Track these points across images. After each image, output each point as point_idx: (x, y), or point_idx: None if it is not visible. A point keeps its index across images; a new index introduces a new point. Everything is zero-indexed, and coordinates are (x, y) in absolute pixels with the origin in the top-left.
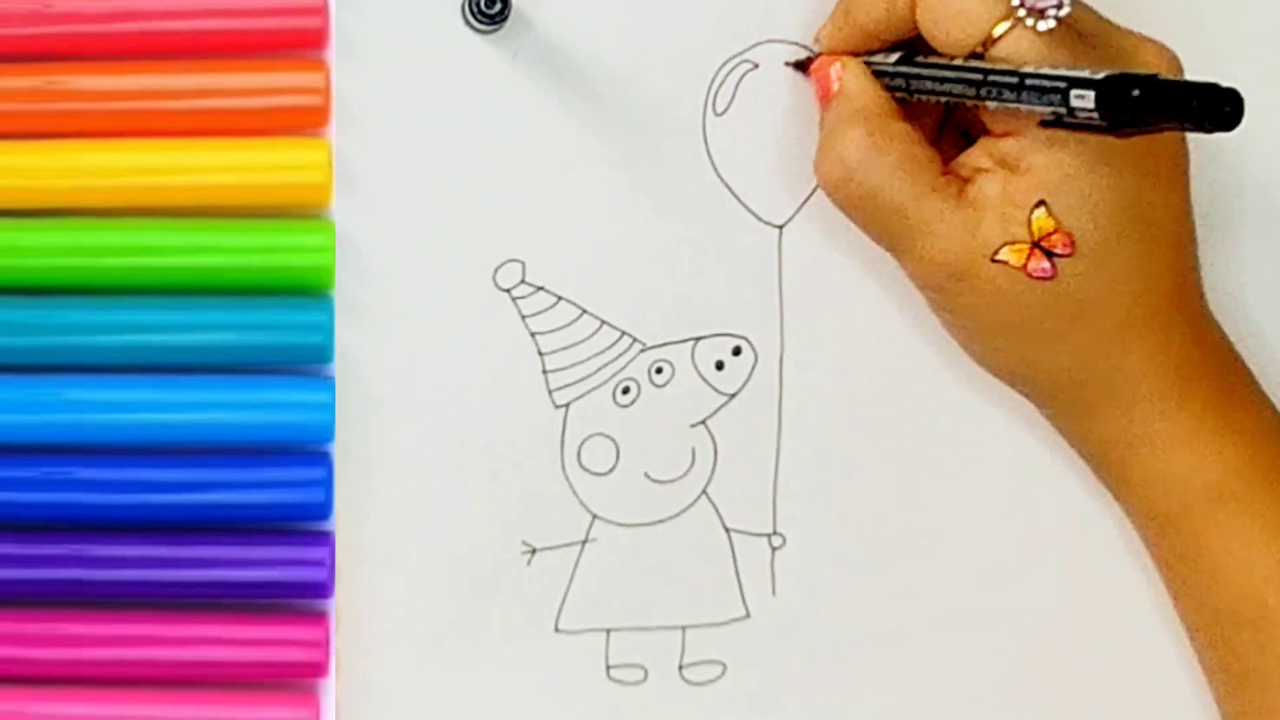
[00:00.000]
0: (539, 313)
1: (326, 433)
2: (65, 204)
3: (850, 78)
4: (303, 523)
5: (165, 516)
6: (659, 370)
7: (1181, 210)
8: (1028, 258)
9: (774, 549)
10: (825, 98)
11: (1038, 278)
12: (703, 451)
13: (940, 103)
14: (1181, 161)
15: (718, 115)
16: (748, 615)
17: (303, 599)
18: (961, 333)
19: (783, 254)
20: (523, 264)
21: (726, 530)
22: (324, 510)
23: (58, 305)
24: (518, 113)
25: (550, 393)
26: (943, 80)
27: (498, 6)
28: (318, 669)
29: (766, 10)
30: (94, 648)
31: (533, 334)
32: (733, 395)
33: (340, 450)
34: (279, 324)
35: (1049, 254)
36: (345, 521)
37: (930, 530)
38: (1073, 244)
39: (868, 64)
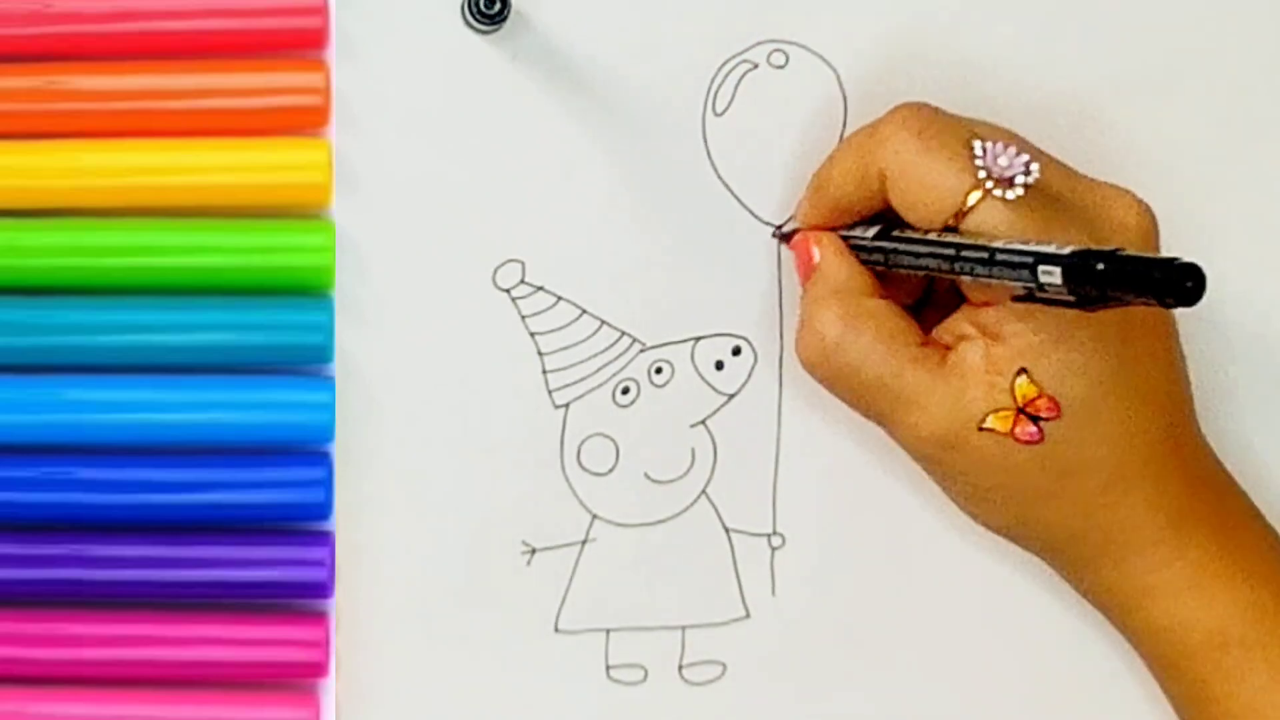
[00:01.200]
0: (539, 313)
1: (326, 433)
2: (65, 204)
3: (827, 255)
4: (303, 523)
5: (165, 516)
6: (659, 370)
7: (1167, 359)
8: (1014, 424)
9: (774, 549)
10: (806, 273)
11: (1025, 442)
12: (702, 451)
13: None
14: (1164, 311)
15: (718, 115)
16: (748, 615)
17: (303, 599)
18: (957, 497)
19: (782, 254)
20: (523, 264)
21: (726, 530)
22: (324, 510)
23: (58, 305)
24: (518, 113)
25: (550, 393)
26: (918, 255)
27: (498, 6)
28: (318, 669)
29: (766, 10)
30: (94, 648)
31: (533, 334)
32: (733, 395)
33: (340, 450)
34: (279, 324)
35: (1034, 418)
36: (345, 521)
37: (930, 530)
38: (1058, 407)
39: (846, 239)
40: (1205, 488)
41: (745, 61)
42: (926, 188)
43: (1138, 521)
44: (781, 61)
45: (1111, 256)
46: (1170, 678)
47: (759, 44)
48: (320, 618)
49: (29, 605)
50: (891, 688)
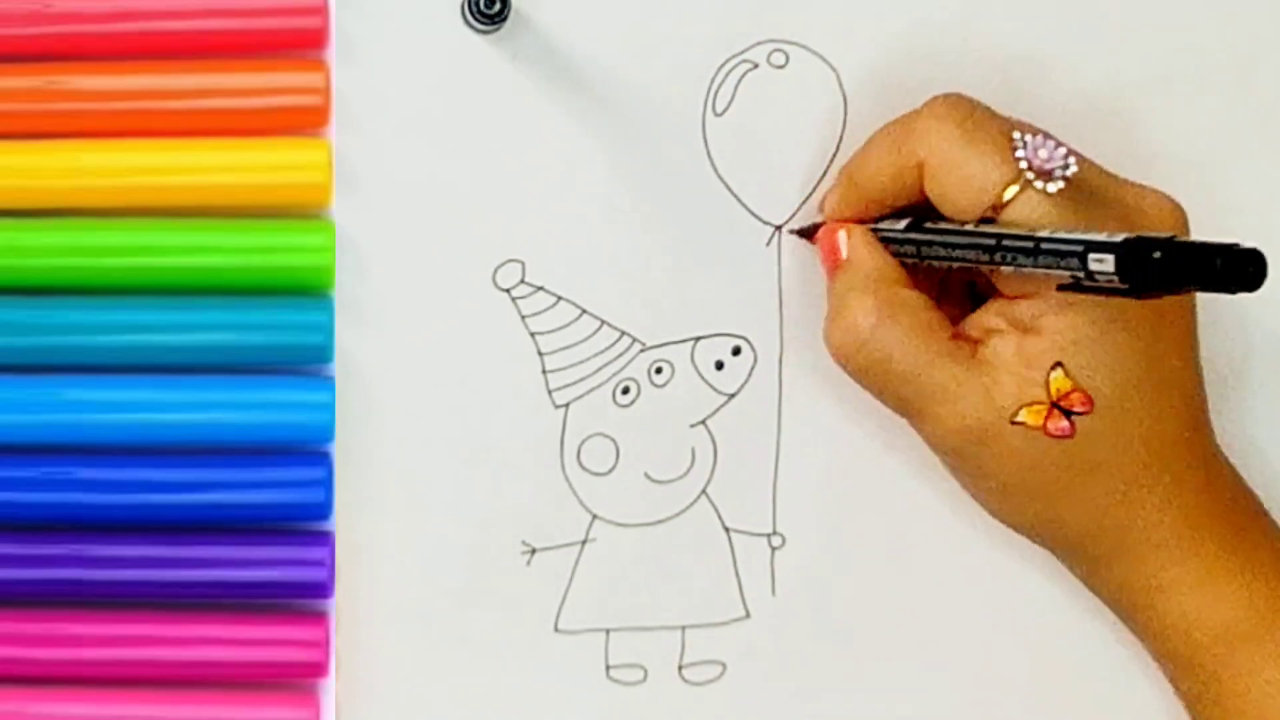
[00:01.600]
0: (539, 313)
1: (326, 433)
2: (65, 204)
3: (858, 246)
4: (303, 523)
5: (165, 516)
6: (659, 370)
7: (1191, 358)
8: (1046, 418)
9: (774, 549)
10: (832, 265)
11: (1057, 436)
12: (702, 451)
13: (952, 268)
14: (1190, 310)
15: (718, 115)
16: (747, 615)
17: (303, 599)
18: (979, 492)
19: (782, 254)
20: (523, 264)
21: (726, 530)
22: (324, 510)
23: (58, 305)
24: (518, 113)
25: (550, 393)
26: (955, 246)
27: (497, 6)
28: (318, 669)
29: (766, 10)
30: (94, 648)
31: (533, 334)
32: (733, 395)
33: (340, 450)
34: (279, 324)
35: (1067, 413)
36: (345, 521)
37: (930, 529)
38: (1090, 402)
39: (875, 231)
40: (1219, 485)
41: (745, 61)
42: (966, 179)
43: (1156, 518)
44: (781, 61)
45: (1168, 244)
46: (1182, 674)
47: (759, 44)
48: (320, 618)
49: (29, 605)
50: (892, 688)
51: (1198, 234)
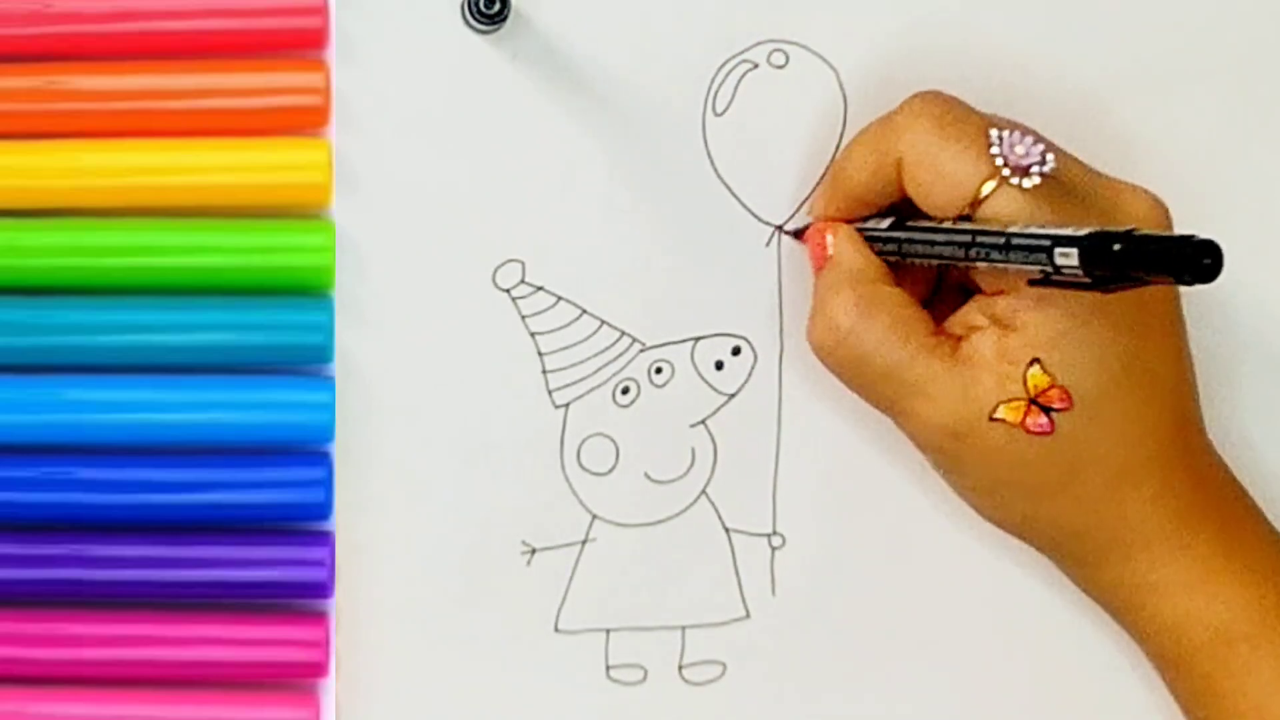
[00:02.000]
0: (539, 313)
1: (326, 433)
2: (65, 204)
3: (841, 244)
4: (303, 523)
5: (165, 516)
6: (659, 370)
7: (1177, 355)
8: (1025, 414)
9: (774, 549)
10: (819, 264)
11: (1036, 433)
12: (702, 451)
13: (933, 265)
14: (1174, 307)
15: (718, 115)
16: (747, 615)
17: (303, 599)
18: (964, 490)
19: (782, 254)
20: (523, 264)
21: (726, 530)
22: (324, 510)
23: (58, 305)
24: (518, 113)
25: (550, 393)
26: (933, 244)
27: (497, 6)
28: (318, 669)
29: (766, 10)
30: (94, 648)
31: (533, 334)
32: (732, 395)
33: (340, 450)
34: (279, 324)
35: (1046, 409)
36: (345, 521)
37: (930, 529)
38: (1069, 399)
39: (861, 230)
40: (1210, 484)
41: (745, 61)
42: (943, 175)
43: (1145, 517)
44: (781, 61)
45: (1128, 236)
46: (1177, 675)
47: (759, 44)
48: (320, 618)
49: (29, 605)
50: (892, 687)
51: (1195, 232)
